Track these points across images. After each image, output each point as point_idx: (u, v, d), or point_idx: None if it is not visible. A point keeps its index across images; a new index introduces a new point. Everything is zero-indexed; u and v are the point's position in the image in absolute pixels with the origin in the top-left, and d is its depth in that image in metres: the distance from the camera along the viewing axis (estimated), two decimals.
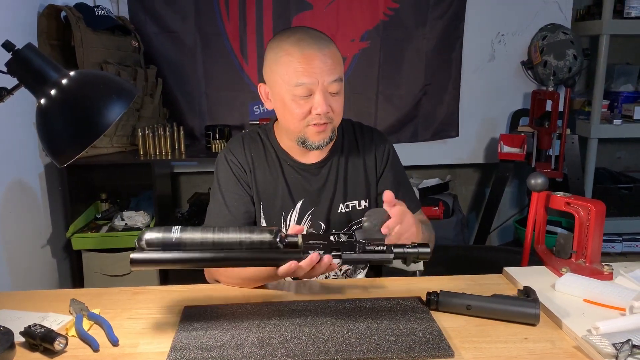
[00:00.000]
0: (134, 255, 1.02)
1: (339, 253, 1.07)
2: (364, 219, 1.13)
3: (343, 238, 1.08)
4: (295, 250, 1.06)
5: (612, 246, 3.25)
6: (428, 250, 1.10)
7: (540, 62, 2.98)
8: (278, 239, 1.05)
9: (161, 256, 1.02)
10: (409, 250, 1.08)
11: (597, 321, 1.05)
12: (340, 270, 1.48)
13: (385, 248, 1.06)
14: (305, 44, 1.26)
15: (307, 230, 1.42)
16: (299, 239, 1.07)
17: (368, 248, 1.06)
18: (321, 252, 1.06)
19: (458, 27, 3.04)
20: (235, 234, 1.04)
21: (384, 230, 1.09)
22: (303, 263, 1.05)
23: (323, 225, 1.43)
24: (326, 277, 1.46)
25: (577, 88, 3.35)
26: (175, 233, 1.03)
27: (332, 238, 1.07)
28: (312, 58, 1.25)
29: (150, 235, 1.02)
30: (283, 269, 1.05)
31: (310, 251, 1.05)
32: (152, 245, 1.02)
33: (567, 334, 1.08)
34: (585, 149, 3.06)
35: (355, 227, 1.43)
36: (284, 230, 1.34)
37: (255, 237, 1.04)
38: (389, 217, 1.12)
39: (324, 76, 1.26)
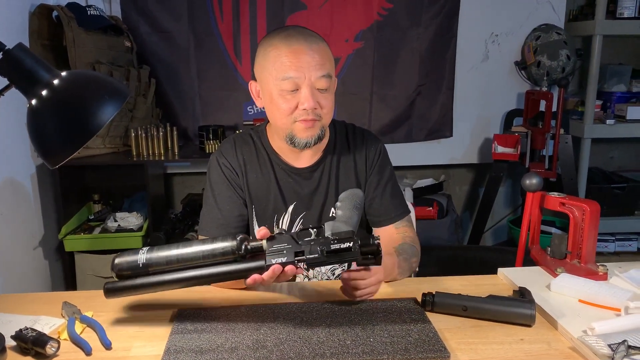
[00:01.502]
0: (108, 286, 1.11)
1: (302, 258, 1.05)
2: (338, 204, 1.13)
3: (310, 236, 1.07)
4: (257, 264, 1.06)
5: (605, 246, 3.26)
6: None
7: (533, 62, 2.98)
8: (243, 247, 1.06)
9: (131, 283, 1.09)
10: (377, 242, 1.07)
11: (592, 322, 1.05)
12: (333, 274, 1.47)
13: (351, 245, 1.04)
14: (294, 39, 1.26)
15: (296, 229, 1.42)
16: (264, 244, 1.07)
17: (333, 247, 1.04)
18: (284, 259, 1.05)
19: (452, 28, 3.04)
20: (199, 246, 1.08)
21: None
22: (265, 276, 1.06)
23: (322, 227, 1.41)
24: (320, 280, 1.46)
25: (571, 88, 3.36)
26: (143, 254, 1.09)
27: (296, 239, 1.07)
28: (299, 53, 1.25)
29: (118, 260, 1.10)
30: (248, 281, 1.07)
31: (273, 259, 1.05)
32: (123, 270, 1.09)
33: (562, 334, 1.08)
34: (578, 149, 3.07)
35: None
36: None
37: (218, 245, 1.07)
38: (362, 197, 1.13)
39: (312, 71, 1.25)
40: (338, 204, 1.13)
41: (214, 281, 1.10)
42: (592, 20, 2.99)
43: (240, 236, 1.08)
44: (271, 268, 1.05)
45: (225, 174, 1.40)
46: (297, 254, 1.06)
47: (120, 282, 1.10)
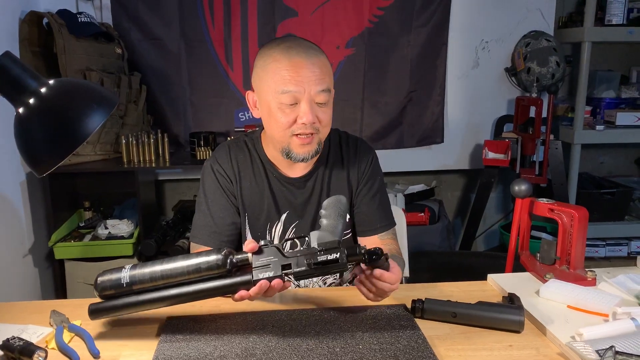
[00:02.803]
0: (93, 307, 1.10)
1: (289, 271, 1.04)
2: (322, 212, 1.12)
3: (297, 247, 1.06)
4: (244, 279, 1.05)
5: (595, 251, 3.27)
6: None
7: (523, 68, 3.01)
8: (228, 261, 1.06)
9: (116, 303, 1.08)
10: (363, 251, 1.05)
11: (580, 327, 1.06)
12: (325, 283, 1.47)
13: (337, 255, 1.03)
14: (294, 52, 1.26)
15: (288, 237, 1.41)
16: (249, 257, 1.07)
17: (320, 258, 1.04)
18: (271, 273, 1.05)
19: (442, 34, 3.06)
20: (183, 261, 1.07)
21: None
22: (252, 292, 1.05)
23: (307, 238, 1.41)
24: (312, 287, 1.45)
25: (560, 94, 3.38)
26: (126, 272, 1.08)
27: (282, 251, 1.06)
28: (300, 66, 1.24)
29: (101, 279, 1.09)
30: (236, 297, 1.06)
31: (260, 274, 1.04)
32: (106, 289, 1.08)
33: (551, 340, 1.09)
34: (568, 155, 3.09)
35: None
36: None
37: (203, 260, 1.06)
38: (346, 203, 1.13)
39: (311, 85, 1.25)
40: (322, 211, 1.12)
41: (201, 298, 1.09)
42: (581, 27, 3.02)
43: (225, 250, 1.07)
44: (258, 284, 1.04)
45: (219, 181, 1.39)
46: (284, 267, 1.05)
47: (106, 302, 1.09)
